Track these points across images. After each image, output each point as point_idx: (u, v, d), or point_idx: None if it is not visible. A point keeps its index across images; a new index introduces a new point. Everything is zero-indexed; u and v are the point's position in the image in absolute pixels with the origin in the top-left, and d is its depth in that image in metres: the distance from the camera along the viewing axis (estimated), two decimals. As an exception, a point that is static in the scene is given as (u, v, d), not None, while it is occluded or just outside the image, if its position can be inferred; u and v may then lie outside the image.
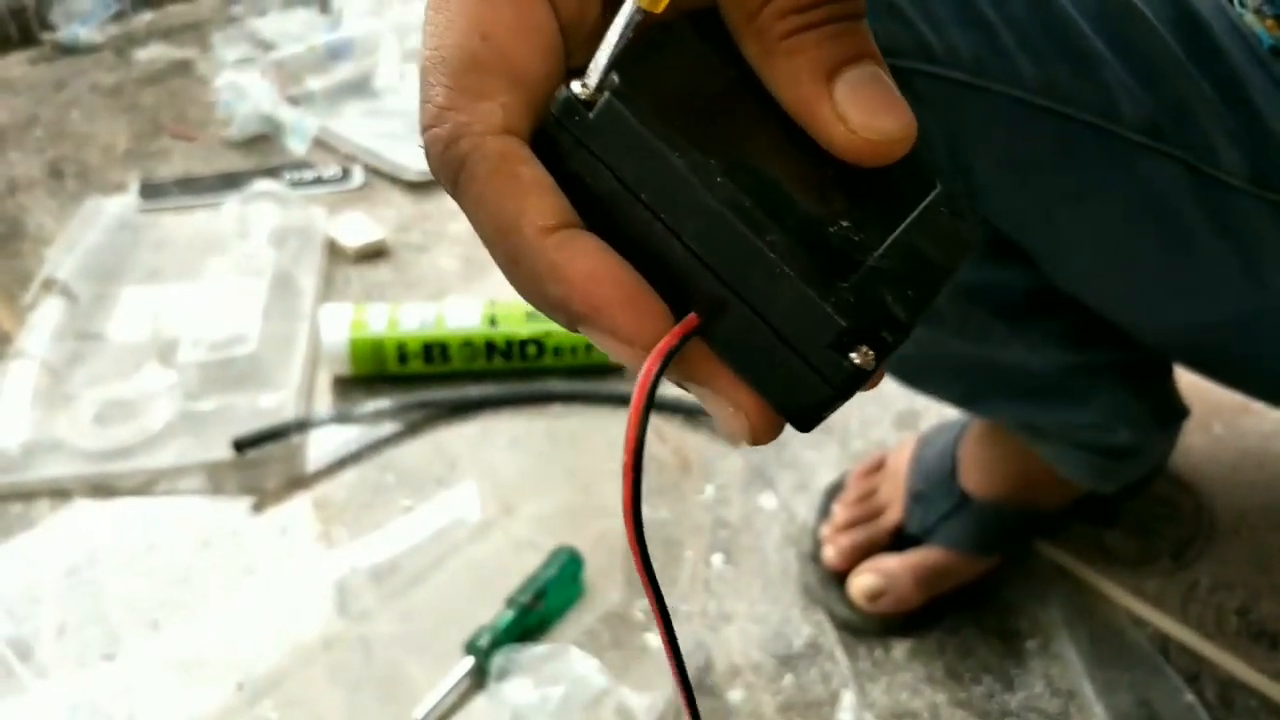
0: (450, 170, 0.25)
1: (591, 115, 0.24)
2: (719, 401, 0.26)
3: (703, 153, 0.24)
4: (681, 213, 0.24)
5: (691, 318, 0.25)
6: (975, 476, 0.83)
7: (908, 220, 0.27)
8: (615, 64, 0.24)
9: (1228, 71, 0.51)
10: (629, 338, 0.24)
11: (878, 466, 0.89)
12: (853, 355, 0.24)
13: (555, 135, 0.25)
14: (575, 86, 0.25)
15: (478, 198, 0.24)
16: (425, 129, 0.25)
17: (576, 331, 0.25)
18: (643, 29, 0.24)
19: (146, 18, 1.71)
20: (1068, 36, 0.51)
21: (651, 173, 0.24)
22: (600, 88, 0.24)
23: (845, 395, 0.25)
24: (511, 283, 0.25)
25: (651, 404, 0.24)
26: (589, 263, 0.24)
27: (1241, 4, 0.51)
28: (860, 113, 0.25)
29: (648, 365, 0.24)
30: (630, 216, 0.25)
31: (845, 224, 0.26)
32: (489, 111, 0.24)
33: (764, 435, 0.26)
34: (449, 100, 0.25)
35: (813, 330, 0.24)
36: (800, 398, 0.25)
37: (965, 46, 0.51)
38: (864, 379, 0.24)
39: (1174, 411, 0.80)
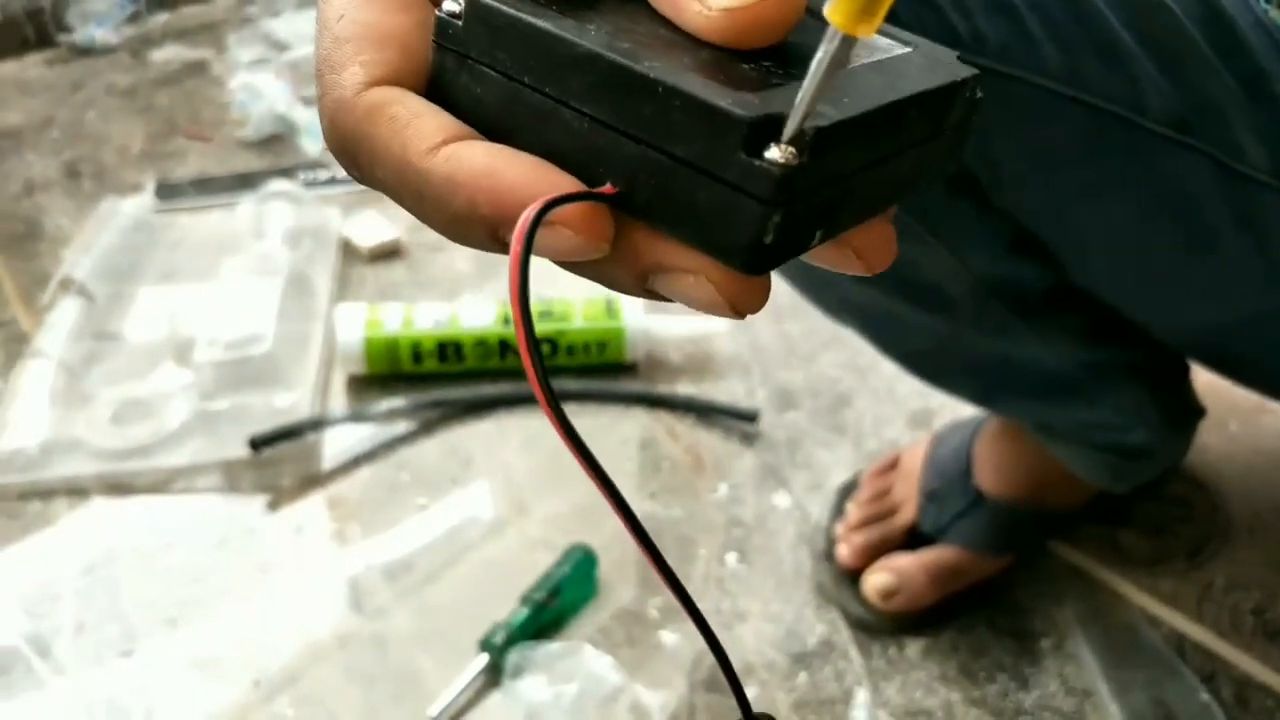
0: (341, 150, 0.25)
1: (460, 22, 0.24)
2: (677, 279, 0.23)
3: (576, 21, 0.23)
4: (563, 74, 0.23)
5: (606, 187, 0.23)
6: (989, 476, 0.83)
7: (859, 63, 0.25)
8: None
9: (1253, 66, 0.51)
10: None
11: (891, 465, 0.89)
12: (769, 153, 0.21)
13: (440, 59, 0.25)
14: (446, 4, 0.25)
15: (367, 160, 0.24)
16: (322, 128, 0.25)
17: (507, 248, 0.22)
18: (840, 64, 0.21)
19: (162, 19, 1.72)
20: (1095, 27, 0.51)
21: (527, 48, 0.23)
22: (796, 135, 0.22)
23: (777, 203, 0.21)
24: (430, 225, 0.24)
25: (527, 266, 0.21)
26: (480, 160, 0.23)
27: (1266, -1, 0.51)
28: None
29: (525, 215, 0.21)
30: (524, 107, 0.24)
31: (767, 64, 0.23)
32: (351, 74, 0.24)
33: (738, 292, 0.23)
34: (321, 88, 0.25)
35: (717, 139, 0.21)
36: (736, 232, 0.22)
37: (993, 33, 0.51)
38: (797, 182, 0.21)
39: (1190, 411, 0.80)
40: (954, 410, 0.94)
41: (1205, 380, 0.78)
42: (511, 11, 0.24)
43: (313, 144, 1.40)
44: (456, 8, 0.25)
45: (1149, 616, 0.82)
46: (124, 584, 0.86)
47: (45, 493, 0.93)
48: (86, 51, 1.64)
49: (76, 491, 0.93)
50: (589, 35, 0.23)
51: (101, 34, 1.65)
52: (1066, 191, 0.57)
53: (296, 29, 1.63)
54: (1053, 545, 0.87)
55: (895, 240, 0.26)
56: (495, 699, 0.76)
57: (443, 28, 0.25)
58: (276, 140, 1.42)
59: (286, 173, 1.32)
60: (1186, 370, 0.78)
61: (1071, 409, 0.74)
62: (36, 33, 1.64)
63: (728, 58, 0.23)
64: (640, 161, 0.22)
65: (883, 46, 0.27)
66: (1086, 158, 0.54)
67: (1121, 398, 0.73)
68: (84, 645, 0.81)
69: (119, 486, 0.93)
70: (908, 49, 0.27)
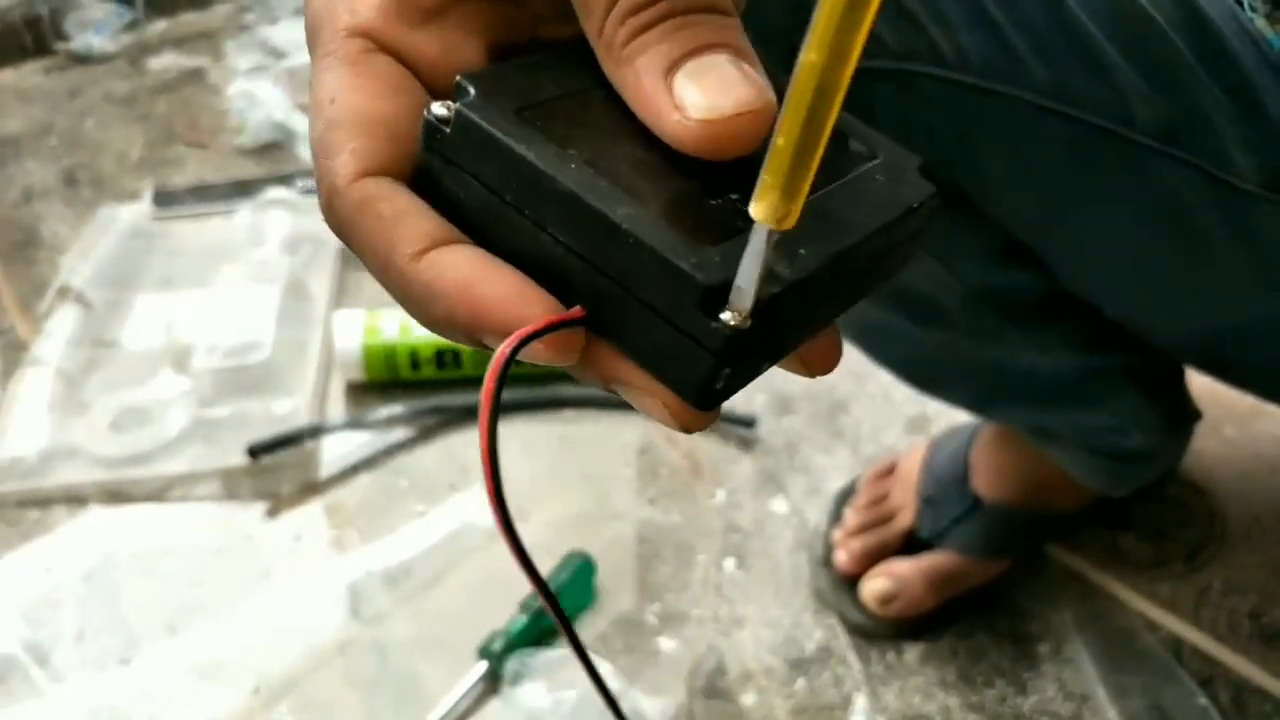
0: (337, 231, 0.26)
1: (448, 130, 0.25)
2: (635, 394, 0.25)
3: (560, 146, 0.24)
4: (542, 203, 0.24)
5: (576, 310, 0.24)
6: (987, 480, 0.83)
7: (820, 191, 0.26)
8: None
9: (1239, 75, 0.51)
10: (520, 329, 0.23)
11: (889, 471, 0.90)
12: (724, 315, 0.22)
13: (426, 159, 0.26)
14: (434, 107, 0.25)
15: (358, 249, 0.25)
16: (320, 205, 0.26)
17: (485, 348, 0.24)
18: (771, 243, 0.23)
19: (159, 27, 1.72)
20: (1080, 40, 0.51)
21: (509, 171, 0.24)
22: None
23: (728, 361, 0.23)
24: (415, 320, 0.25)
25: (500, 390, 0.23)
26: (460, 272, 0.24)
27: (1252, 8, 0.51)
28: (697, 95, 0.24)
29: (502, 348, 0.23)
30: (504, 221, 0.25)
31: (735, 197, 0.25)
32: (343, 163, 0.25)
33: (688, 419, 0.25)
34: (318, 169, 0.26)
35: (678, 296, 0.23)
36: (688, 373, 0.24)
37: (975, 49, 0.51)
38: (745, 342, 0.23)
39: (1186, 415, 0.80)
40: (951, 416, 0.94)
41: (1201, 384, 0.78)
42: (496, 134, 0.24)
43: (310, 151, 1.40)
44: (445, 114, 0.25)
45: (1147, 620, 0.82)
46: (123, 591, 0.86)
47: (44, 500, 0.93)
48: (84, 59, 1.64)
49: (75, 499, 0.93)
50: (568, 170, 0.24)
51: (99, 42, 1.65)
52: (1056, 203, 0.57)
53: (294, 36, 1.63)
54: (1050, 549, 0.87)
55: (840, 346, 0.28)
56: (494, 706, 0.77)
57: (430, 132, 0.25)
58: (274, 147, 1.42)
59: (284, 180, 1.32)
60: (1182, 374, 0.78)
61: (1068, 414, 0.74)
62: (34, 41, 1.64)
63: (698, 192, 0.25)
64: (608, 294, 0.24)
65: (850, 154, 0.29)
66: (1074, 170, 0.55)
67: (1118, 402, 0.73)
68: (83, 653, 0.81)
69: (118, 494, 0.93)
70: (872, 161, 0.28)
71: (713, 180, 0.25)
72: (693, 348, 0.23)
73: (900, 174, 0.28)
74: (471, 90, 0.25)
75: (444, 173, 0.25)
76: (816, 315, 0.26)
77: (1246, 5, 0.52)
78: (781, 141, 0.21)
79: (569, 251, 0.24)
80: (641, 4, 0.25)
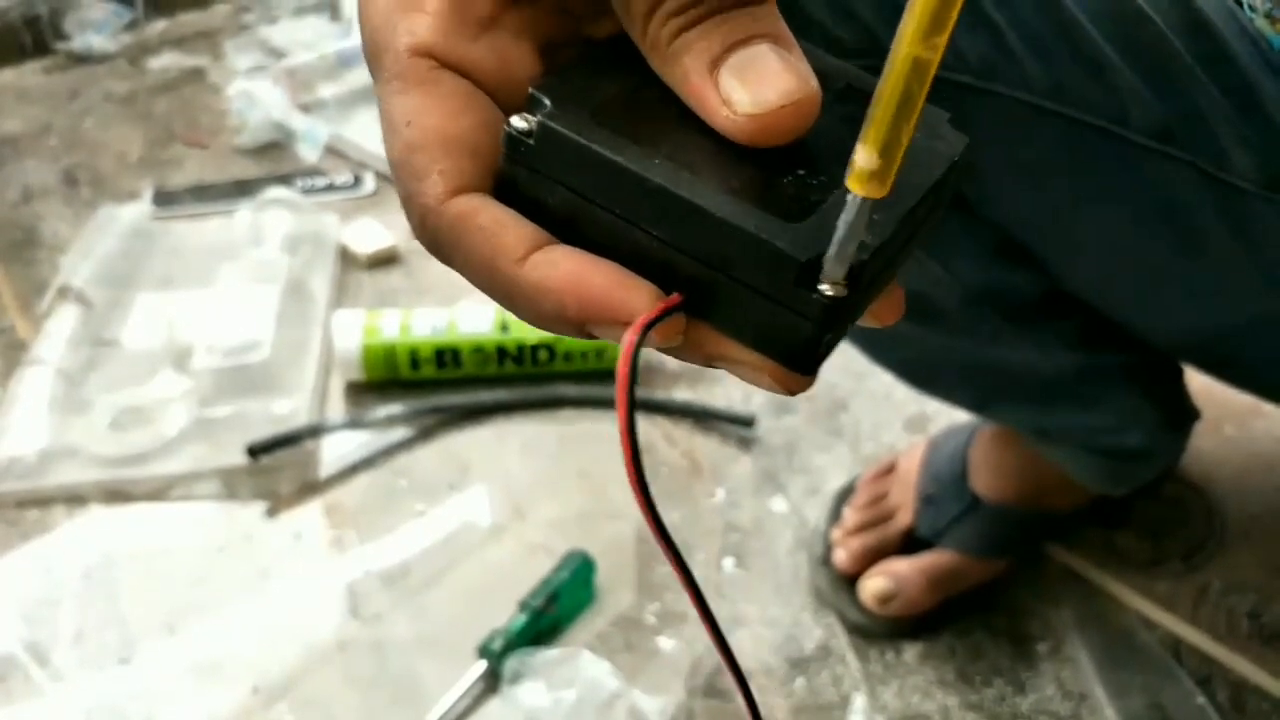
0: (434, 248, 0.27)
1: (532, 141, 0.26)
2: (738, 368, 0.27)
3: (639, 145, 0.26)
4: (632, 202, 0.25)
5: (674, 296, 0.26)
6: (986, 480, 0.83)
7: None
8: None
9: (1238, 75, 0.51)
10: (629, 317, 0.25)
11: (888, 470, 0.90)
12: (822, 286, 0.24)
13: (511, 170, 0.27)
14: (514, 121, 0.26)
15: (460, 262, 0.26)
16: (411, 224, 0.27)
17: (592, 337, 0.26)
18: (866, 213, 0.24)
19: (159, 26, 1.72)
20: (1077, 40, 0.51)
21: (597, 175, 0.26)
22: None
23: (829, 326, 0.25)
24: (522, 319, 0.27)
25: (636, 376, 0.25)
26: (566, 268, 0.25)
27: (1251, 8, 0.52)
28: (742, 91, 0.25)
29: (628, 337, 0.25)
30: (595, 221, 0.26)
31: (801, 172, 0.26)
32: (432, 184, 0.26)
33: (793, 384, 0.26)
34: (405, 190, 0.27)
35: (777, 273, 0.24)
36: (791, 342, 0.26)
37: (972, 50, 0.51)
38: (842, 308, 0.24)
39: (1184, 414, 0.80)
40: (950, 415, 0.94)
41: (1200, 383, 0.78)
42: (582, 141, 0.26)
43: (310, 151, 1.40)
44: (526, 126, 0.26)
45: (1145, 619, 0.82)
46: (123, 591, 0.86)
47: (44, 500, 0.93)
48: (84, 59, 1.64)
49: (75, 499, 0.93)
50: (654, 166, 0.25)
51: (99, 41, 1.65)
52: (1053, 203, 0.57)
53: (293, 36, 1.63)
54: (1049, 548, 0.87)
55: (904, 299, 0.29)
56: (494, 705, 0.77)
57: (513, 145, 0.26)
58: (274, 147, 1.43)
59: (284, 179, 1.33)
60: (1180, 373, 0.78)
61: (1067, 413, 0.74)
62: (34, 40, 1.64)
63: (766, 172, 0.26)
64: (707, 278, 0.26)
65: None
66: (1072, 170, 0.55)
67: (1117, 401, 0.73)
68: (83, 652, 0.81)
69: (117, 494, 0.93)
70: None
71: (777, 159, 0.26)
72: (794, 319, 0.25)
73: (935, 129, 0.28)
74: (547, 101, 0.26)
75: (530, 181, 0.27)
76: (888, 272, 0.28)
77: (1246, 5, 0.52)
78: (877, 118, 0.22)
79: (664, 244, 0.25)
80: (683, 5, 0.26)
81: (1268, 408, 0.94)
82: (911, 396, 1.00)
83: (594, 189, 0.26)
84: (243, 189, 1.31)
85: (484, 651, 0.78)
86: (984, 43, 0.51)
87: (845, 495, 0.90)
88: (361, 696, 0.78)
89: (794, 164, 0.26)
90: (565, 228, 0.27)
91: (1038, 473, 0.82)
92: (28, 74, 1.62)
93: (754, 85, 0.25)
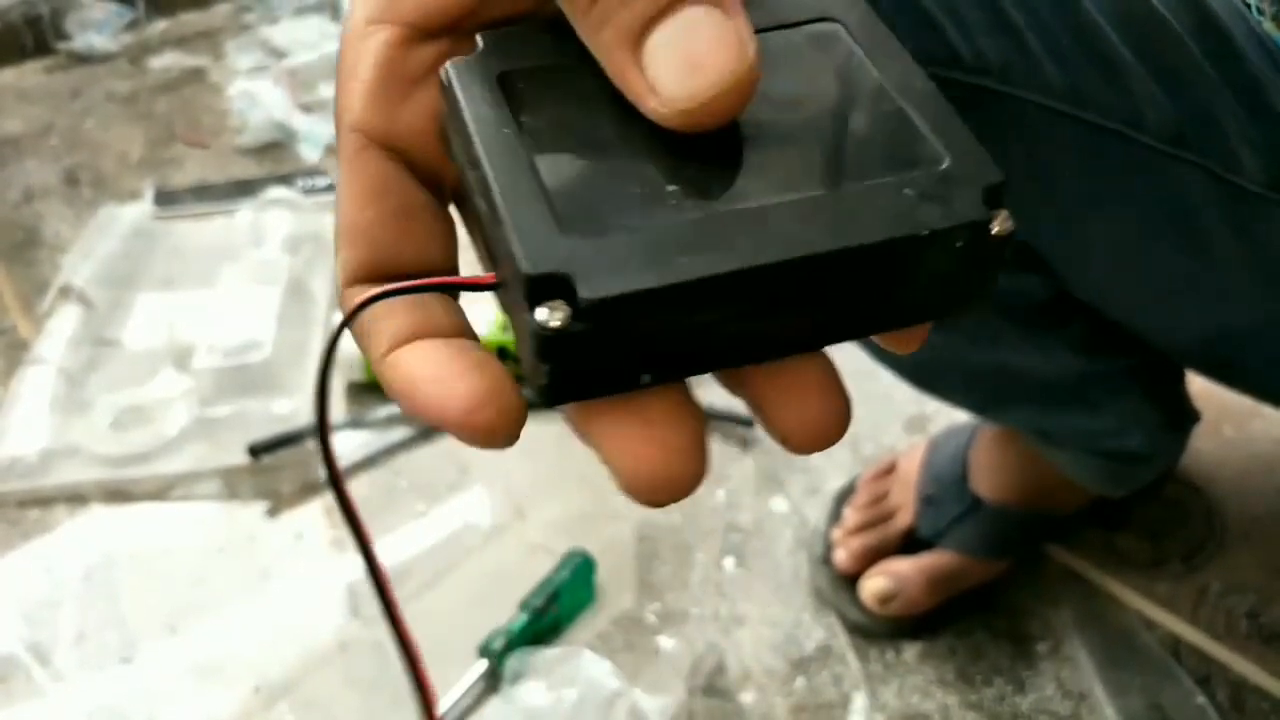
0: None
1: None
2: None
3: (515, 113, 0.24)
4: (471, 168, 0.24)
5: (490, 276, 0.24)
6: (986, 480, 0.83)
7: (829, 190, 0.23)
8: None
9: (1248, 76, 0.51)
10: (442, 421, 0.24)
11: (888, 470, 0.90)
12: (539, 310, 0.20)
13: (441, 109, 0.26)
14: (446, 66, 0.25)
15: (359, 346, 0.26)
16: None
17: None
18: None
19: (160, 26, 1.72)
20: (1094, 44, 0.51)
21: (461, 132, 0.24)
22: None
23: (548, 358, 0.21)
24: None
25: (332, 356, 0.25)
26: (401, 371, 0.24)
27: (1259, 11, 0.52)
28: (668, 81, 0.22)
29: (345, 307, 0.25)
30: (463, 181, 0.25)
31: (672, 189, 0.22)
32: (339, 270, 0.26)
33: (478, 419, 0.24)
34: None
35: (516, 279, 0.21)
36: (527, 361, 0.22)
37: (993, 53, 0.51)
38: (565, 342, 0.20)
39: (1185, 416, 0.80)
40: (950, 415, 0.94)
41: (1200, 385, 0.78)
42: (458, 96, 0.24)
43: (311, 151, 1.40)
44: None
45: (1145, 619, 0.83)
46: (124, 591, 0.86)
47: (45, 500, 0.93)
48: (85, 59, 1.64)
49: (76, 498, 0.93)
50: (496, 136, 0.23)
51: (100, 41, 1.65)
52: (1066, 207, 0.57)
53: (295, 36, 1.63)
54: (1049, 548, 0.87)
55: (924, 331, 0.25)
56: (494, 704, 0.77)
57: (440, 88, 0.26)
58: (275, 147, 1.43)
59: (285, 180, 1.33)
60: (1181, 375, 0.78)
61: (1070, 416, 0.74)
62: (35, 40, 1.65)
63: (655, 175, 0.23)
64: (500, 267, 0.23)
65: (908, 153, 0.24)
66: (1085, 172, 0.55)
67: (1119, 404, 0.74)
68: (84, 652, 0.81)
69: (119, 493, 0.94)
70: (932, 165, 0.23)
71: (691, 157, 0.23)
72: (529, 339, 0.21)
73: (952, 188, 0.23)
74: (474, 52, 0.25)
75: (444, 122, 0.26)
76: (712, 346, 0.23)
77: (1254, 7, 0.52)
78: None
79: (483, 219, 0.23)
80: None
81: (1267, 409, 0.94)
82: (912, 397, 1.00)
83: (461, 147, 0.24)
84: (244, 189, 1.31)
85: (485, 651, 0.78)
86: (1005, 44, 0.51)
87: (845, 495, 0.90)
88: (362, 697, 0.78)
89: (690, 165, 0.23)
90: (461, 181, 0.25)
91: (1038, 473, 0.82)
92: (29, 74, 1.62)
93: (684, 68, 0.22)
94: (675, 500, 0.24)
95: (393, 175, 0.26)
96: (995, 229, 0.23)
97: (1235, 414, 0.98)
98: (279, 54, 1.60)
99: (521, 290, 0.21)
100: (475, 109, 0.24)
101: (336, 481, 0.27)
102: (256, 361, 1.02)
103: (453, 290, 0.24)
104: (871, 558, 0.83)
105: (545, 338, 0.20)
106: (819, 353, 0.24)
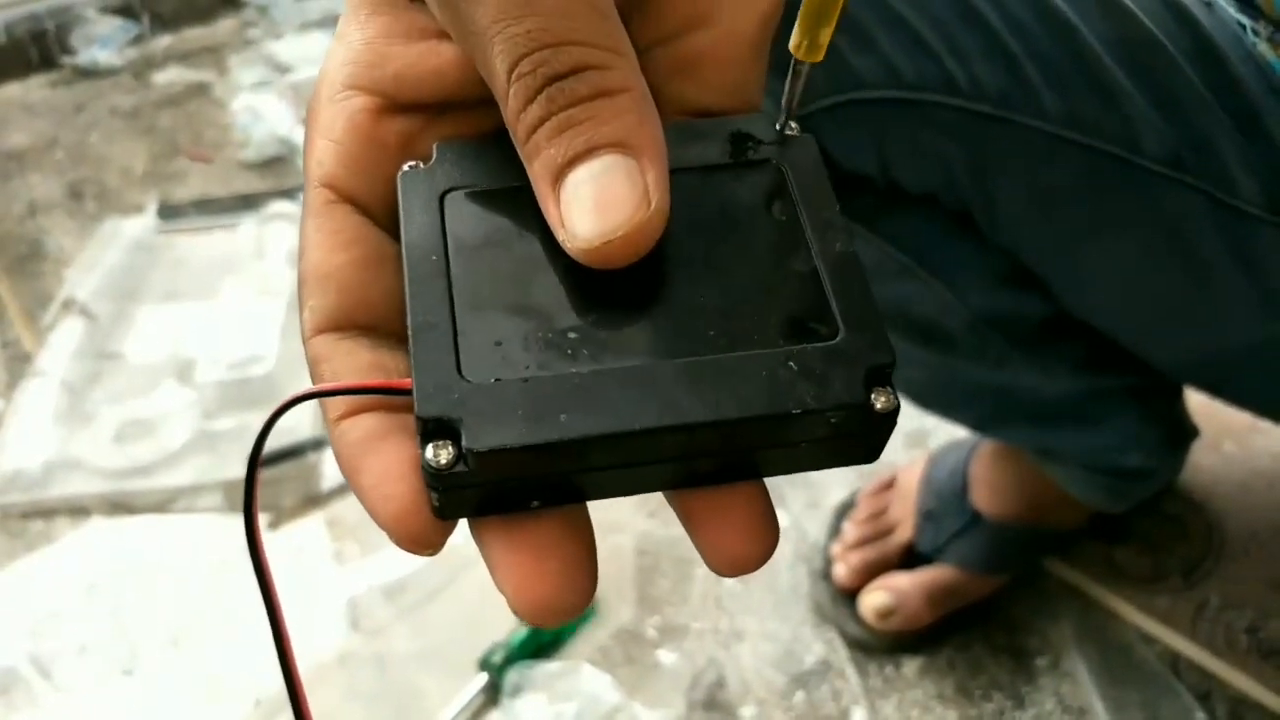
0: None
1: None
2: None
3: (444, 236, 0.25)
4: (407, 284, 0.25)
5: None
6: (986, 495, 0.84)
7: (709, 356, 0.24)
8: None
9: (1244, 100, 0.52)
10: (371, 509, 0.24)
11: (888, 485, 0.90)
12: (428, 450, 0.23)
13: None
14: (405, 167, 0.27)
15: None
16: None
17: None
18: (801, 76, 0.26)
19: (164, 41, 1.73)
20: (1091, 69, 0.52)
21: (403, 245, 0.25)
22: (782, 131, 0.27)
23: (436, 486, 0.23)
24: None
25: (258, 454, 0.27)
26: (348, 439, 0.25)
27: (1255, 33, 0.52)
28: (575, 219, 0.24)
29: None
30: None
31: (573, 327, 0.24)
32: (305, 319, 0.26)
33: (407, 529, 0.25)
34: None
35: (417, 414, 0.23)
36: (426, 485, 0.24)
37: (990, 80, 0.52)
38: (451, 479, 0.22)
39: (1184, 432, 0.81)
40: (950, 430, 0.95)
41: (1199, 400, 0.78)
42: (401, 207, 0.26)
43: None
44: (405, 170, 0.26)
45: (1144, 635, 0.83)
46: (126, 603, 0.86)
47: (47, 512, 0.93)
48: (90, 73, 1.65)
49: (78, 511, 0.93)
50: (422, 261, 0.25)
51: (105, 56, 1.66)
52: (1065, 229, 0.58)
53: (298, 51, 1.64)
54: (1049, 563, 0.88)
55: (761, 531, 0.25)
56: (494, 718, 0.77)
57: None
58: (278, 162, 1.43)
59: (288, 194, 1.33)
60: (1180, 393, 0.79)
61: (1069, 434, 0.74)
62: (40, 55, 1.65)
63: (570, 309, 0.24)
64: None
65: (802, 326, 0.25)
66: (1084, 197, 0.55)
67: (1118, 422, 0.74)
68: (86, 664, 0.82)
69: (121, 506, 0.94)
70: (821, 342, 0.24)
71: (603, 293, 0.25)
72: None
73: (836, 366, 0.24)
74: (427, 162, 0.26)
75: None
76: (591, 485, 0.24)
77: (1249, 29, 0.52)
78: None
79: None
80: (528, 96, 0.24)
81: (1266, 424, 0.94)
82: (911, 412, 1.00)
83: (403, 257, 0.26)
84: (247, 203, 1.32)
85: (485, 664, 0.78)
86: (1001, 72, 0.52)
87: (845, 510, 0.90)
88: (363, 709, 0.78)
89: (597, 304, 0.25)
90: None
91: (1038, 489, 0.82)
92: (34, 88, 1.63)
93: (590, 210, 0.24)
94: (561, 624, 0.25)
95: (360, 226, 0.27)
96: (879, 406, 0.24)
97: (1235, 429, 0.98)
98: (283, 69, 1.61)
99: (419, 427, 0.23)
100: (410, 229, 0.25)
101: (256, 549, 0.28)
102: (259, 375, 1.02)
103: (377, 394, 0.25)
104: (871, 573, 0.83)
105: (433, 473, 0.22)
106: (752, 481, 0.25)
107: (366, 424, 0.25)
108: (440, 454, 0.22)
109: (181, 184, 1.39)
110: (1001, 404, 0.74)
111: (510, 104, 0.25)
